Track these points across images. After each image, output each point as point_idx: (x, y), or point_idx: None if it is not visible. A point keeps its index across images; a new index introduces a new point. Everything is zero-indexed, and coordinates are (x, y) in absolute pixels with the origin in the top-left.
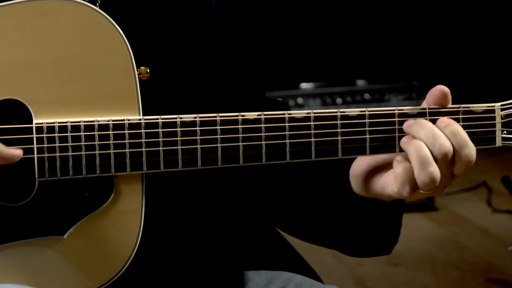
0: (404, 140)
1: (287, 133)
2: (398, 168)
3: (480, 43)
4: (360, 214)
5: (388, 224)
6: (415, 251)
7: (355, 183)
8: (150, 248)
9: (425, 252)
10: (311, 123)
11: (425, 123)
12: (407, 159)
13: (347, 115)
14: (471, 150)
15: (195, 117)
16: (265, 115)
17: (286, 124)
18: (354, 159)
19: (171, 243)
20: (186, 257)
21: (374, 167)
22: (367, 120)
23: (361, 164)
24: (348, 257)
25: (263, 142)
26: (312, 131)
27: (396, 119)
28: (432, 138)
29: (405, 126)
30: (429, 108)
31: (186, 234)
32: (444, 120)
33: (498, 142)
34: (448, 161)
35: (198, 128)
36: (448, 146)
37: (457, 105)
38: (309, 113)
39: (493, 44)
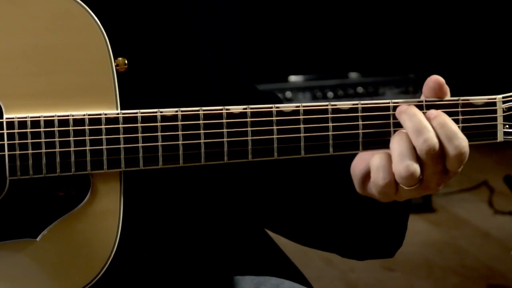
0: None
1: (274, 127)
2: (374, 157)
3: (480, 33)
4: (362, 213)
5: (392, 225)
6: (411, 255)
7: (355, 182)
8: (129, 251)
9: (422, 256)
10: (300, 117)
11: (413, 113)
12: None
13: (338, 109)
14: (461, 141)
15: (177, 111)
16: (251, 108)
17: (274, 118)
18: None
19: (152, 246)
20: (168, 261)
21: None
22: (360, 114)
23: (360, 163)
24: (339, 262)
25: (249, 138)
26: (302, 126)
27: (391, 112)
28: (416, 131)
29: (397, 112)
30: (426, 101)
31: (167, 236)
32: (432, 112)
33: (500, 137)
34: (436, 156)
35: (179, 123)
36: (433, 140)
37: (456, 98)
38: (298, 106)
39: (492, 35)
